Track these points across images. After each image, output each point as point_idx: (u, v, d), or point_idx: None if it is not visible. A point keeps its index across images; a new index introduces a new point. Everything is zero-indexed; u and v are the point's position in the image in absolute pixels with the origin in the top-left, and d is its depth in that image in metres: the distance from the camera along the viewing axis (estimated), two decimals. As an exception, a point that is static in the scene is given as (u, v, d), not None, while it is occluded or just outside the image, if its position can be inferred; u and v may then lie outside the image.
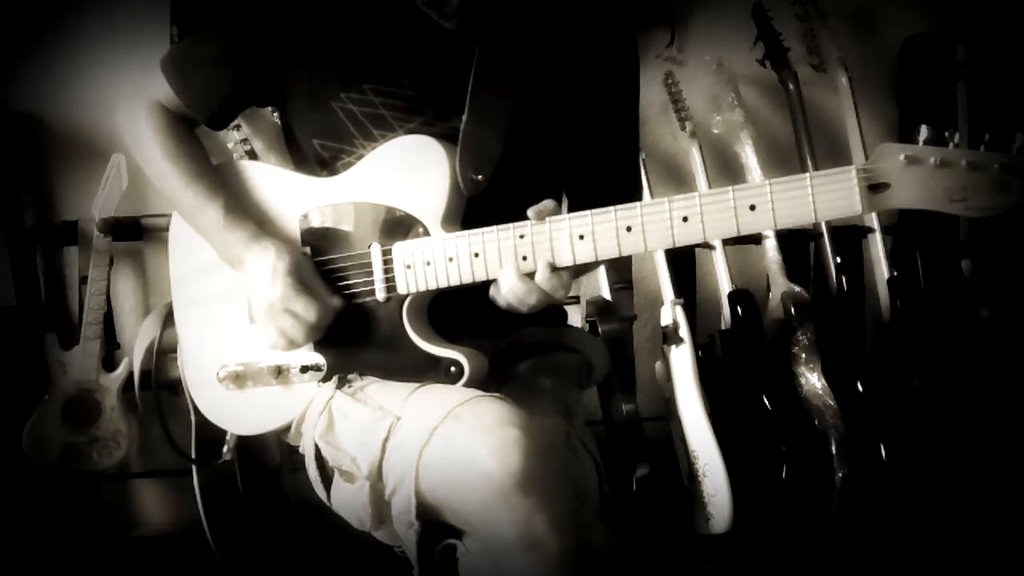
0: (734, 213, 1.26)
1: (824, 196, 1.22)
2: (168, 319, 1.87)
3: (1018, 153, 1.15)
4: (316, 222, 1.50)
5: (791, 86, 2.61)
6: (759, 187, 1.25)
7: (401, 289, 1.44)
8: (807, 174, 1.23)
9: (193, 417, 1.69)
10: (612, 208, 1.32)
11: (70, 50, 2.50)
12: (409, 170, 1.43)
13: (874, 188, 1.21)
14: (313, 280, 1.46)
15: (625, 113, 1.67)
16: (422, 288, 1.42)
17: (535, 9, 1.55)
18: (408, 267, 1.43)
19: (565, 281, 1.36)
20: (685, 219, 1.29)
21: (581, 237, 1.33)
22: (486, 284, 1.41)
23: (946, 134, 1.19)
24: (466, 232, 1.39)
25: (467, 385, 1.39)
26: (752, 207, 1.25)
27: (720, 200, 1.27)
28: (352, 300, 1.47)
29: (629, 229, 1.31)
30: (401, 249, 1.43)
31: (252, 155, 2.42)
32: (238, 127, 2.41)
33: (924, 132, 1.19)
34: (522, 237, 1.36)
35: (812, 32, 2.63)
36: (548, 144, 1.53)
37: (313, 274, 1.46)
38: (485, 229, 1.38)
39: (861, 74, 2.69)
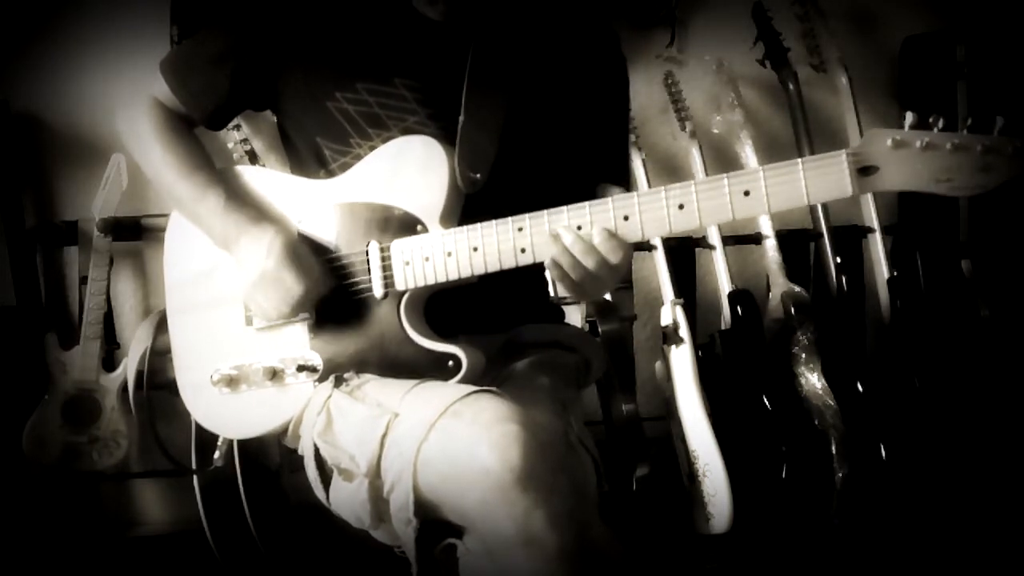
0: (729, 199, 1.29)
1: (816, 180, 1.25)
2: (160, 326, 1.87)
3: (999, 135, 1.20)
4: (310, 226, 1.51)
5: (791, 86, 2.62)
6: (753, 173, 1.28)
7: (399, 285, 1.44)
8: (799, 159, 1.26)
9: (193, 418, 1.69)
10: (609, 198, 1.34)
11: (70, 50, 2.51)
12: (408, 169, 1.45)
13: (864, 171, 1.24)
14: (308, 256, 1.46)
15: (615, 110, 1.68)
16: (420, 284, 1.43)
17: (522, 5, 1.58)
18: (407, 263, 1.43)
19: (626, 247, 1.34)
20: (681, 207, 1.31)
21: (579, 228, 1.34)
22: (483, 283, 1.42)
23: (930, 119, 1.23)
24: (464, 227, 1.40)
25: (465, 379, 1.39)
26: (746, 192, 1.28)
27: (715, 187, 1.29)
28: (349, 297, 1.47)
29: (626, 218, 1.33)
30: (400, 246, 1.44)
31: (252, 155, 2.42)
32: (238, 127, 2.42)
33: (910, 118, 1.23)
34: (520, 230, 1.37)
35: (812, 32, 2.64)
36: (544, 142, 1.54)
37: (309, 252, 1.47)
38: (483, 224, 1.39)
39: (861, 74, 2.70)
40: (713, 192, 1.29)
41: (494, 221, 1.38)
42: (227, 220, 1.49)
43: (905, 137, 1.22)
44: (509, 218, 1.37)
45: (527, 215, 1.37)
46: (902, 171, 1.23)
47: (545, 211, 1.36)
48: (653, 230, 1.33)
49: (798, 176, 1.25)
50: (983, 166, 1.20)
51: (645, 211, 1.32)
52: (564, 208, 1.35)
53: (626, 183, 1.66)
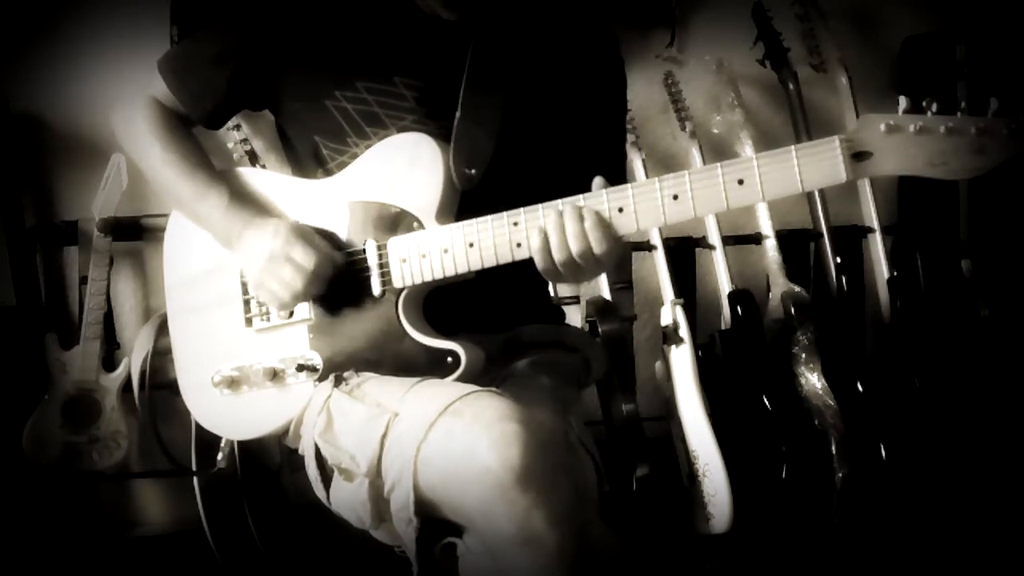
0: (723, 188, 1.29)
1: (809, 166, 1.26)
2: (162, 329, 1.87)
3: (993, 117, 1.19)
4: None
5: (791, 86, 2.62)
6: (746, 161, 1.28)
7: (397, 283, 1.44)
8: (792, 146, 1.26)
9: (193, 418, 1.69)
10: (603, 191, 1.34)
11: (70, 50, 2.50)
12: (403, 167, 1.45)
13: (857, 156, 1.25)
14: (314, 236, 1.46)
15: (611, 111, 1.68)
16: (418, 281, 1.43)
17: (529, 5, 1.58)
18: (404, 261, 1.43)
19: (611, 239, 1.33)
20: (675, 197, 1.31)
21: None
22: (482, 281, 1.42)
23: (924, 103, 1.22)
24: (460, 223, 1.41)
25: (464, 376, 1.39)
26: (740, 181, 1.28)
27: (709, 176, 1.30)
28: (348, 296, 1.47)
29: (621, 210, 1.33)
30: (396, 243, 1.44)
31: (252, 155, 2.42)
32: (238, 127, 2.42)
33: (903, 102, 1.23)
34: (516, 225, 1.37)
35: (812, 32, 2.64)
36: (540, 140, 1.54)
37: (314, 233, 1.47)
38: (479, 219, 1.39)
39: (861, 74, 2.70)
40: (707, 181, 1.29)
41: (489, 216, 1.39)
42: (230, 217, 1.49)
43: (899, 121, 1.22)
44: (504, 213, 1.38)
45: (522, 209, 1.37)
46: (896, 156, 1.23)
47: (540, 205, 1.36)
48: (648, 221, 1.33)
49: (791, 163, 1.26)
50: (978, 148, 1.20)
51: (640, 202, 1.32)
52: (559, 201, 1.35)
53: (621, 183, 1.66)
